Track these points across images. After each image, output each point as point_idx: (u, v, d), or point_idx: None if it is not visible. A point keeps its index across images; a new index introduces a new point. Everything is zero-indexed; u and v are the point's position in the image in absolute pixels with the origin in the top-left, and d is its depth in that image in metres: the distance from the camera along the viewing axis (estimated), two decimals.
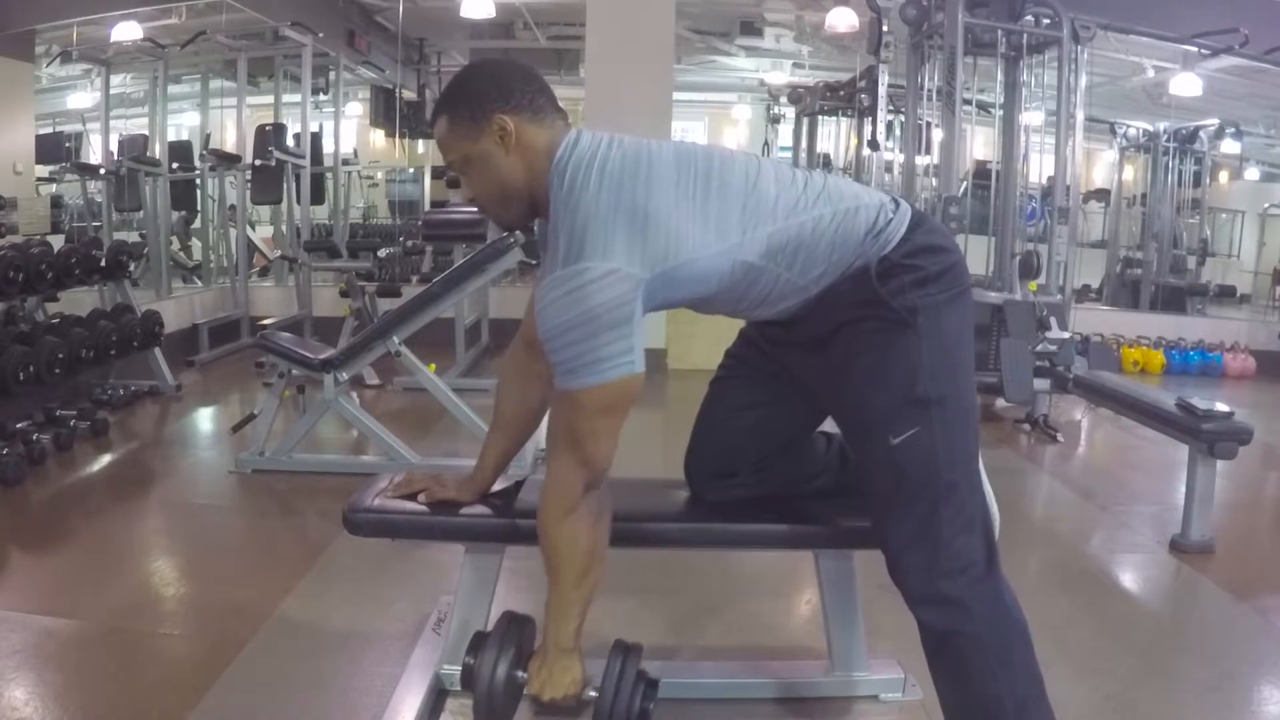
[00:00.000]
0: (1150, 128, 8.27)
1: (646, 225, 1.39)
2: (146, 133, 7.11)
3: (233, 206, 7.17)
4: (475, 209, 1.57)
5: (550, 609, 1.52)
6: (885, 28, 5.77)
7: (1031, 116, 5.33)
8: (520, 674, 1.54)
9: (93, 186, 6.71)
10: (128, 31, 6.56)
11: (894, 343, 1.48)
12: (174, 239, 7.09)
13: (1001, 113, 5.23)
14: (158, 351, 4.67)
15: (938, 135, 5.31)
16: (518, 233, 3.90)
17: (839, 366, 1.54)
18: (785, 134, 10.28)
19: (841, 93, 8.36)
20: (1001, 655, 1.47)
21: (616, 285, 1.36)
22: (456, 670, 1.92)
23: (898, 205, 1.55)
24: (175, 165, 6.86)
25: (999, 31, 4.89)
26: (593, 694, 1.53)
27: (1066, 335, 4.58)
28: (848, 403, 1.57)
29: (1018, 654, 1.48)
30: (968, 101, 5.10)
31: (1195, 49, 6.34)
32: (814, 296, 1.53)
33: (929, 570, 1.47)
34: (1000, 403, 4.80)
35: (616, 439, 1.47)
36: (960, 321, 1.53)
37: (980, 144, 6.39)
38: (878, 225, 1.50)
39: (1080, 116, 5.21)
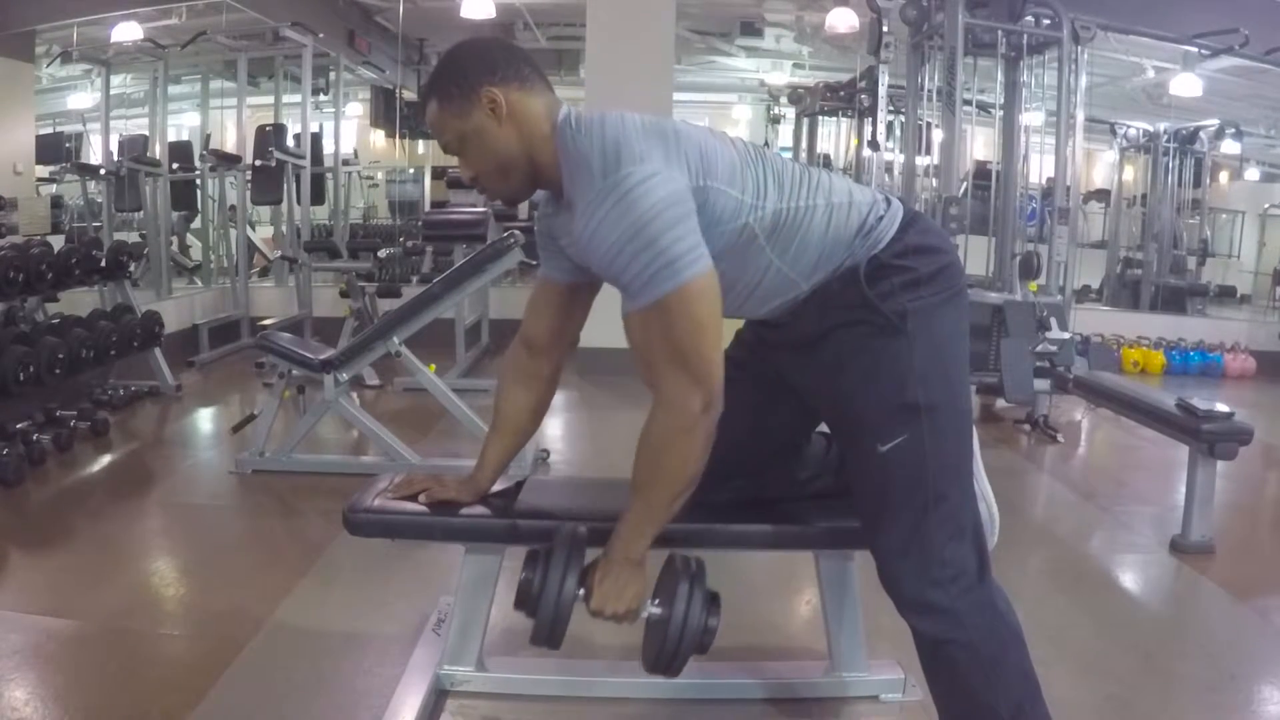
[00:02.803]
0: (1150, 128, 8.26)
1: (679, 140, 1.40)
2: (146, 133, 7.13)
3: (233, 207, 7.18)
4: (476, 188, 1.55)
5: (630, 521, 1.47)
6: (885, 28, 5.76)
7: (1031, 117, 5.32)
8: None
9: (93, 187, 6.71)
10: (128, 32, 6.56)
11: (884, 347, 1.45)
12: (174, 239, 7.10)
13: (1001, 113, 5.22)
14: (158, 352, 4.68)
15: (938, 135, 5.31)
16: (517, 233, 3.91)
17: (829, 369, 1.52)
18: (785, 134, 10.30)
19: (842, 93, 8.36)
20: (995, 662, 1.46)
21: (664, 185, 1.34)
22: (456, 671, 1.93)
23: (889, 204, 1.53)
24: (175, 165, 6.86)
25: (999, 32, 4.89)
26: (654, 610, 1.47)
27: (1066, 335, 4.58)
28: (837, 407, 1.56)
29: (1011, 660, 1.48)
30: (968, 102, 5.10)
31: (1195, 49, 6.33)
32: (804, 296, 1.52)
33: (919, 579, 1.46)
34: (1000, 403, 4.81)
35: (721, 347, 1.39)
36: (954, 325, 1.51)
37: (980, 144, 6.38)
38: (868, 223, 1.49)
39: (1080, 117, 5.22)
